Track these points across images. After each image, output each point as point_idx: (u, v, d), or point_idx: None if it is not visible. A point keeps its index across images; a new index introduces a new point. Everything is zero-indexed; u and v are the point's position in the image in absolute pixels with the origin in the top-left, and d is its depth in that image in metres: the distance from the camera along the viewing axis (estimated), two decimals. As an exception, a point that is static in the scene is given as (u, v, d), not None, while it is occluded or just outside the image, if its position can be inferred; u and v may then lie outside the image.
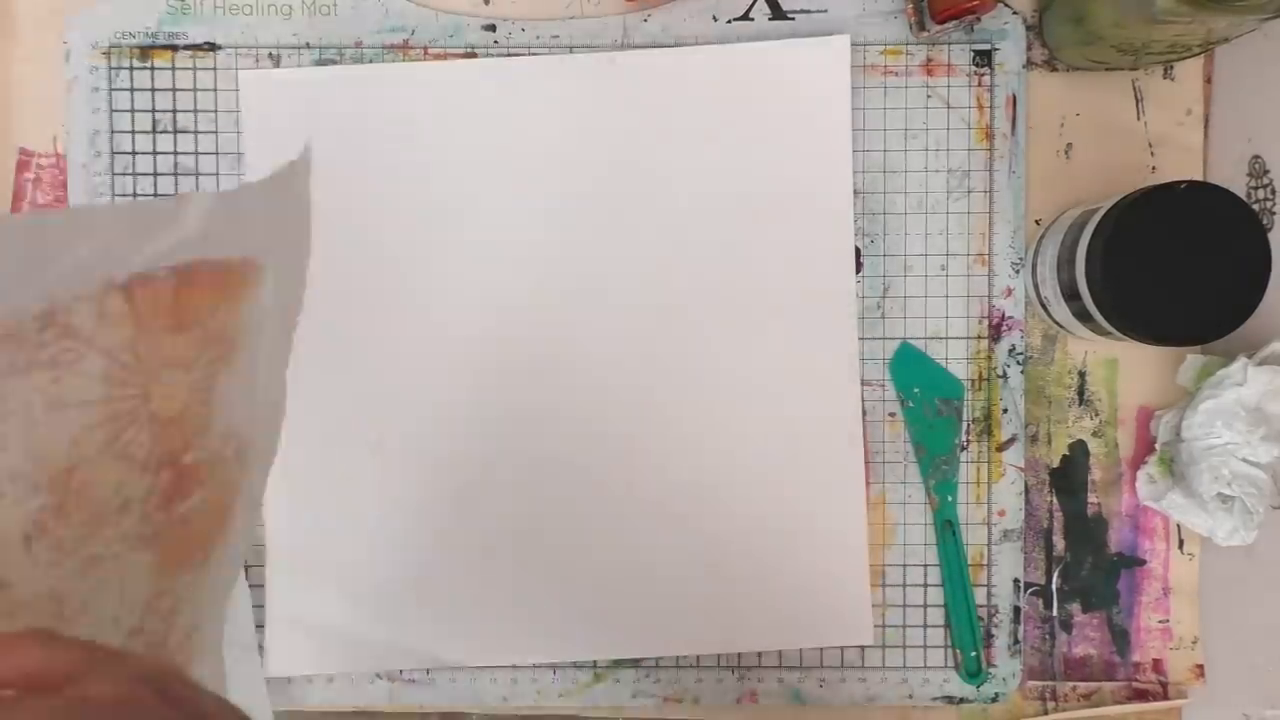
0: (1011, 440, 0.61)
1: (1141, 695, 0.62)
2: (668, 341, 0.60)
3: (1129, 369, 0.61)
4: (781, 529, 0.60)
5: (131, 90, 0.61)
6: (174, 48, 0.60)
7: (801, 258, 0.60)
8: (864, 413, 0.61)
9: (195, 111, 0.61)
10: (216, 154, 0.61)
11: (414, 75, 0.60)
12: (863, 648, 0.61)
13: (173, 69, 0.61)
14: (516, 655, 0.61)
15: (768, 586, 0.60)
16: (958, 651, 0.61)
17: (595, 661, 0.61)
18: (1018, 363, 0.61)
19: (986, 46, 0.60)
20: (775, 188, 0.60)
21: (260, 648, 0.60)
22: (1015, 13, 0.60)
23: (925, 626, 0.61)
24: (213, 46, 0.60)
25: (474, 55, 0.60)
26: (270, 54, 0.60)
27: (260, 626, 0.60)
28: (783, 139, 0.60)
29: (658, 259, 0.60)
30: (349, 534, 0.60)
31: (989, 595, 0.61)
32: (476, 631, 0.60)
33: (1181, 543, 0.61)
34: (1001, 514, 0.61)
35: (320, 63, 0.60)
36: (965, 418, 0.61)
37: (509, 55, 0.60)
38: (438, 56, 0.61)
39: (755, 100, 0.60)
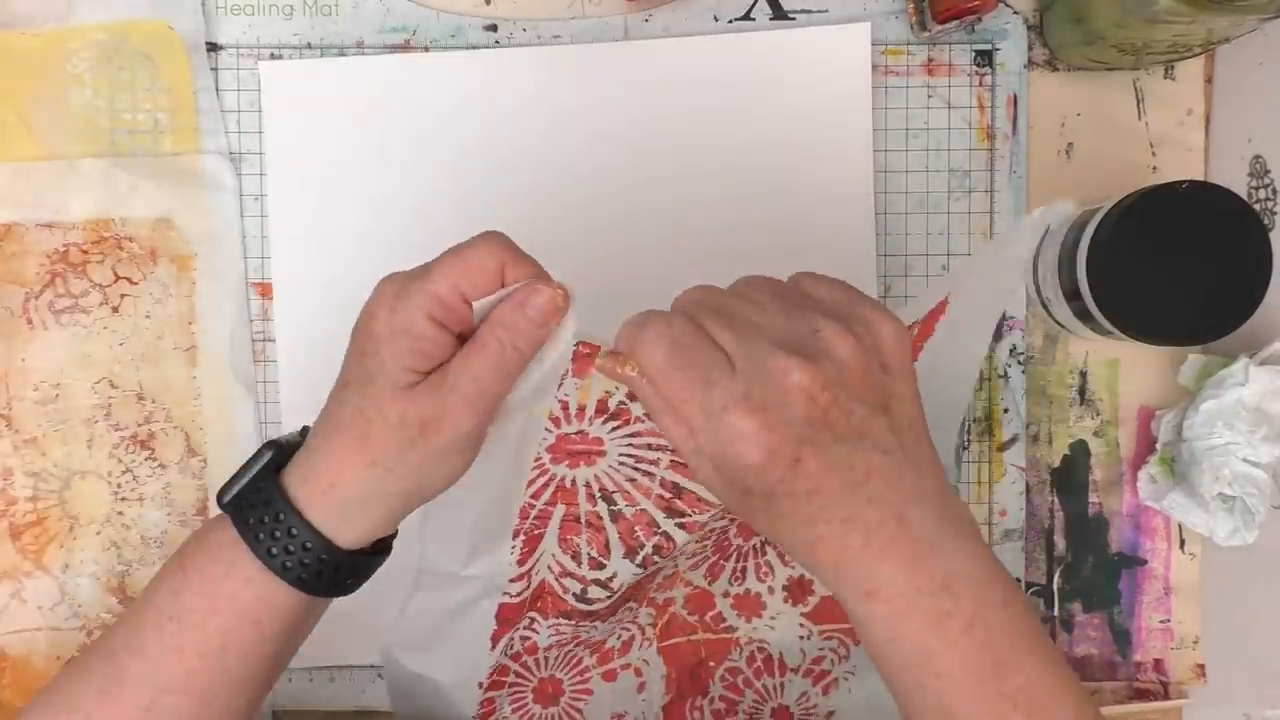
0: (1013, 440, 0.61)
1: (1143, 695, 0.62)
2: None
3: (1130, 369, 0.61)
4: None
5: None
6: (175, 47, 0.61)
7: (821, 243, 0.60)
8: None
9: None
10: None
11: (433, 65, 0.60)
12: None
13: (174, 69, 0.61)
14: None
15: None
16: (959, 651, 0.61)
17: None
18: (1019, 362, 0.61)
19: (987, 46, 0.60)
20: (795, 174, 0.60)
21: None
22: (1016, 13, 0.60)
23: (926, 626, 0.61)
24: (214, 46, 0.60)
25: (475, 55, 0.61)
26: (272, 54, 0.60)
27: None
28: (803, 125, 0.60)
29: (677, 247, 0.60)
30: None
31: (990, 595, 0.61)
32: None
33: (1183, 542, 0.61)
34: (1003, 514, 0.61)
35: (321, 62, 0.61)
36: (966, 418, 0.61)
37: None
38: (439, 56, 0.61)
39: (777, 86, 0.60)
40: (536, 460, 0.48)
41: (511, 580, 0.52)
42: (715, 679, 0.56)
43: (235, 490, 0.43)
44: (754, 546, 0.55)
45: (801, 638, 0.56)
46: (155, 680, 0.43)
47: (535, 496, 0.49)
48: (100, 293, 0.61)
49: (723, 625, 0.56)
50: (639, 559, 0.50)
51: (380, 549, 0.45)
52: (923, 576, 0.38)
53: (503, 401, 0.43)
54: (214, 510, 0.60)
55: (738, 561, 0.55)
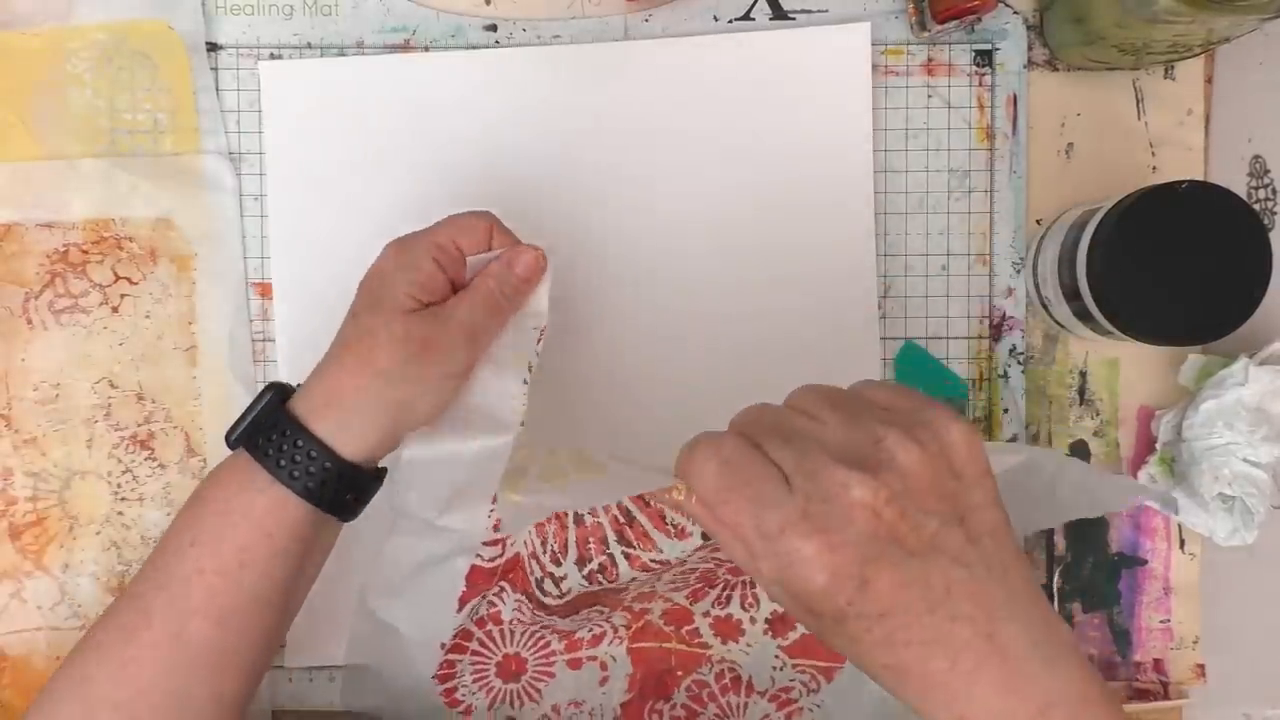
0: (1013, 440, 0.61)
1: (1142, 695, 0.62)
2: (688, 334, 0.60)
3: (1130, 369, 0.61)
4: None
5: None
6: (175, 47, 0.61)
7: (820, 243, 0.60)
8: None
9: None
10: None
11: (433, 65, 0.60)
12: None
13: (174, 69, 0.61)
14: None
15: None
16: (959, 651, 0.61)
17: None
18: (1019, 362, 0.61)
19: (987, 46, 0.60)
20: (795, 174, 0.60)
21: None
22: (1016, 12, 0.60)
23: (926, 626, 0.61)
24: (214, 46, 0.60)
25: (475, 55, 0.61)
26: (271, 54, 0.60)
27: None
28: (803, 125, 0.60)
29: (676, 247, 0.60)
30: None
31: (990, 595, 0.61)
32: None
33: (1183, 542, 0.61)
34: (1002, 514, 0.61)
35: (321, 62, 0.60)
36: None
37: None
38: (439, 56, 0.61)
39: (777, 86, 0.60)
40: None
41: (485, 544, 0.52)
42: (680, 687, 0.56)
43: (244, 426, 0.48)
44: (744, 580, 0.55)
45: (774, 667, 0.57)
46: (181, 605, 0.46)
47: None
48: (100, 293, 0.61)
49: (697, 641, 0.57)
50: (585, 571, 0.51)
51: (377, 475, 0.49)
52: (1018, 701, 0.35)
53: (487, 352, 0.49)
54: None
55: (724, 590, 0.55)
